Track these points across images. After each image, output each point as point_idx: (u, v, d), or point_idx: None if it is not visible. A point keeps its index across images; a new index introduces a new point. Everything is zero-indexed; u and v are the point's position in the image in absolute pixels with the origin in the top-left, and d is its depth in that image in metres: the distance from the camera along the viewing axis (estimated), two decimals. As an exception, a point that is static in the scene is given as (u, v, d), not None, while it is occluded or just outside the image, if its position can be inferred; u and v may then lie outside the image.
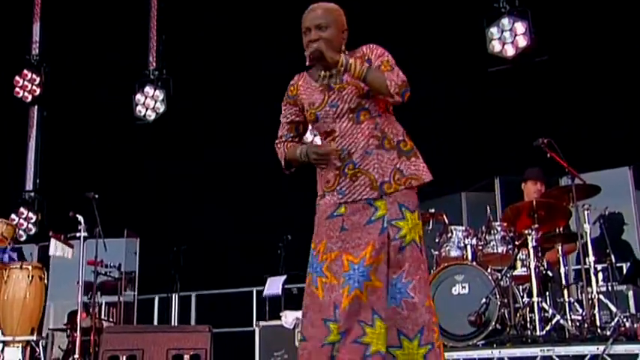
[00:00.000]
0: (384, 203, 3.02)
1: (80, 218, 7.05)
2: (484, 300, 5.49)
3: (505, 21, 8.18)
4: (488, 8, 8.33)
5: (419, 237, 3.03)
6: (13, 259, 7.43)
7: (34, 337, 6.75)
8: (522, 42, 8.12)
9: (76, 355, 6.67)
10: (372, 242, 2.97)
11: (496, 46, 8.23)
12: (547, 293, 5.75)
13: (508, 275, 5.76)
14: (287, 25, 9.80)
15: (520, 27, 8.12)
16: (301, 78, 3.27)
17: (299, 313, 6.87)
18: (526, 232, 5.69)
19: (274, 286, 7.69)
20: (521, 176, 6.57)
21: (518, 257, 5.88)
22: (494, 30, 8.23)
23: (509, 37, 8.16)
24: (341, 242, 3.04)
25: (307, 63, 3.09)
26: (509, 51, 8.19)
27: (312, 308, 3.03)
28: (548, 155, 5.74)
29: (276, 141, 3.35)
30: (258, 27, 9.57)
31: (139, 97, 10.10)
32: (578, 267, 6.03)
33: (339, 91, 3.11)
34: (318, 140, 3.33)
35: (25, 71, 10.91)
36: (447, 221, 6.45)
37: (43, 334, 7.74)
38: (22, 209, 10.56)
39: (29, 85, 10.89)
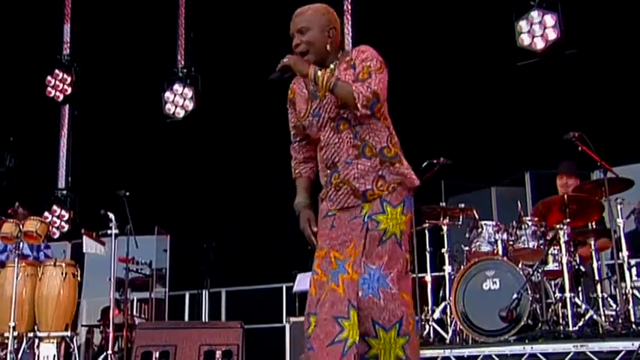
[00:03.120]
0: (368, 204, 3.03)
1: (111, 216, 7.12)
2: (515, 295, 5.45)
3: (534, 14, 8.08)
4: (517, 1, 8.25)
5: (400, 232, 3.00)
6: (48, 256, 7.56)
7: (69, 333, 6.85)
8: (552, 35, 8.02)
9: (110, 351, 6.75)
10: (354, 238, 3.01)
11: (525, 40, 8.14)
12: (580, 288, 5.71)
13: (540, 270, 5.72)
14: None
15: (550, 20, 8.02)
16: (296, 82, 3.26)
17: (329, 309, 6.92)
18: (558, 226, 5.64)
19: (304, 282, 7.70)
20: (552, 170, 6.52)
21: (549, 252, 5.83)
22: (523, 23, 8.13)
23: (538, 30, 8.07)
24: (329, 240, 3.06)
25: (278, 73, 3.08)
26: (539, 44, 8.09)
27: (307, 305, 3.07)
28: (580, 149, 5.68)
29: (290, 149, 3.37)
30: (286, 23, 9.56)
31: (168, 94, 10.17)
32: (612, 262, 5.95)
33: (320, 100, 3.09)
34: None
35: (57, 71, 11.03)
36: (477, 216, 6.41)
37: (77, 331, 7.84)
38: (54, 207, 10.69)
39: (60, 85, 11.02)
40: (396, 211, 3.01)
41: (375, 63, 3.02)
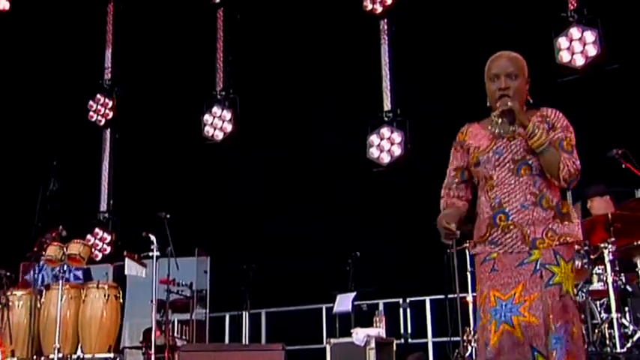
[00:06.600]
0: (538, 250, 2.98)
1: (153, 238, 7.20)
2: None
3: (574, 30, 8.01)
4: (556, 18, 8.19)
5: (572, 288, 2.98)
6: (79, 277, 7.66)
7: (112, 355, 6.93)
8: (592, 51, 7.93)
9: (152, 373, 6.80)
10: (523, 282, 2.96)
11: (565, 57, 8.06)
12: (626, 309, 5.58)
13: (584, 290, 5.61)
14: (351, 43, 9.83)
15: (589, 36, 7.93)
16: (472, 125, 3.27)
17: (370, 330, 6.90)
18: (602, 245, 5.54)
19: (344, 303, 7.68)
20: (586, 191, 6.34)
21: (594, 271, 5.72)
22: (562, 40, 8.07)
23: (578, 47, 7.99)
24: (490, 282, 3.03)
25: (495, 113, 3.06)
26: (579, 61, 8.00)
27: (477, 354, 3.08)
28: (623, 166, 5.58)
29: (442, 191, 3.32)
30: (322, 46, 9.64)
31: (207, 117, 10.27)
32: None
33: (507, 140, 3.09)
34: None
35: (98, 95, 11.24)
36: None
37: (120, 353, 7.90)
38: (97, 230, 10.82)
39: (102, 109, 11.21)
40: (568, 267, 2.99)
41: (573, 136, 3.07)
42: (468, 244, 6.63)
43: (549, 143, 2.99)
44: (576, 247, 5.59)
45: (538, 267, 2.95)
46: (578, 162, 3.01)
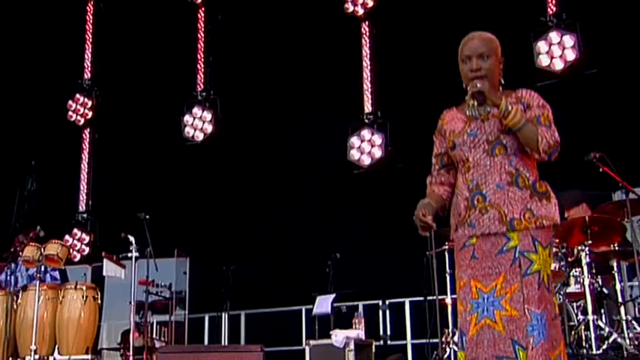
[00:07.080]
0: (516, 234, 2.99)
1: (131, 239, 7.16)
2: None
3: (553, 35, 8.07)
4: (535, 22, 8.24)
5: (547, 276, 2.99)
6: (56, 278, 7.60)
7: (89, 357, 6.89)
8: (571, 55, 8.00)
9: (130, 374, 6.76)
10: (504, 273, 2.97)
11: (544, 60, 8.12)
12: (602, 311, 5.64)
13: (561, 292, 5.66)
14: (332, 45, 9.82)
15: (569, 40, 8.00)
16: (450, 110, 3.28)
17: (349, 332, 6.90)
18: (579, 248, 5.59)
19: (324, 304, 7.67)
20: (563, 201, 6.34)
21: (571, 274, 5.77)
22: (541, 44, 8.12)
23: (557, 51, 8.05)
24: (470, 270, 3.03)
25: (467, 97, 3.08)
26: (558, 65, 8.07)
27: (459, 340, 3.08)
28: (601, 170, 5.64)
29: (427, 179, 3.33)
30: (304, 48, 9.64)
31: (187, 118, 10.24)
32: (635, 283, 5.88)
33: (481, 121, 3.10)
34: None
35: (78, 95, 11.16)
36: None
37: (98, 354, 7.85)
38: (75, 230, 10.74)
39: (81, 109, 11.14)
40: (546, 252, 3.00)
41: (550, 113, 3.08)
42: (447, 246, 6.67)
43: (525, 120, 3.00)
44: (554, 249, 5.78)
45: (517, 255, 2.96)
46: (556, 134, 3.02)
